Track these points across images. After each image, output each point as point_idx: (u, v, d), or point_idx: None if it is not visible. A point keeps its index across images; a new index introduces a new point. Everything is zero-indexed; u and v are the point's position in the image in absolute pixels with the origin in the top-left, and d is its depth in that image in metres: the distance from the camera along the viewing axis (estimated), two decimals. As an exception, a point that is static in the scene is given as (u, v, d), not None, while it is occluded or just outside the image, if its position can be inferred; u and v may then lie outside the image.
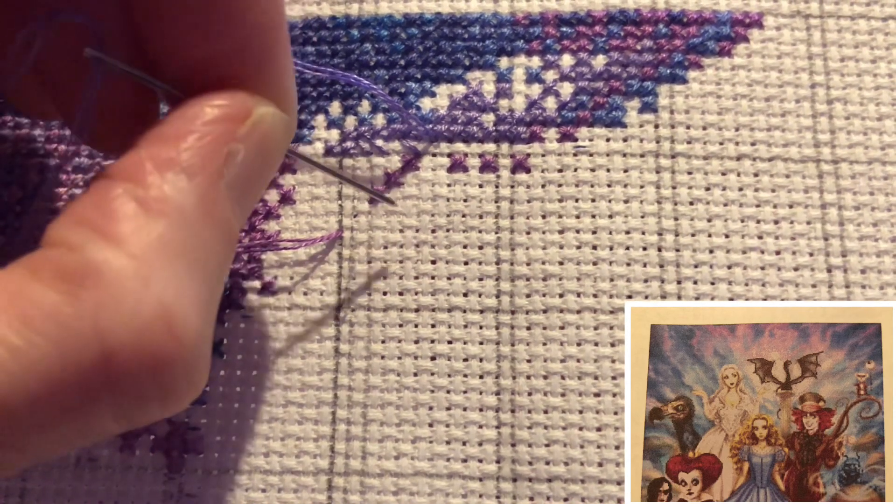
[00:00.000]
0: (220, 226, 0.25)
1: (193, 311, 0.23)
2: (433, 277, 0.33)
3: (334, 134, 0.35)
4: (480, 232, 0.33)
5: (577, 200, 0.33)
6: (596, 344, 0.32)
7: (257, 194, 0.27)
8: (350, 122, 0.35)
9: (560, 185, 0.34)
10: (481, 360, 0.32)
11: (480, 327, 0.32)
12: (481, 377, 0.32)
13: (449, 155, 0.34)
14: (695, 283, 0.33)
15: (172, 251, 0.23)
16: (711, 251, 0.33)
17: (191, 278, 0.23)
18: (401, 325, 0.33)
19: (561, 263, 0.33)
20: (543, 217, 0.33)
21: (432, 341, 0.32)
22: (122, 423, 0.23)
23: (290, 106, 0.28)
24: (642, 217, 0.33)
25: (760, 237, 0.33)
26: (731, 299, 0.32)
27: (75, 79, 0.26)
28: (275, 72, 0.27)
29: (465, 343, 0.32)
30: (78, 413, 0.22)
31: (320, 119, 0.35)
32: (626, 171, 0.34)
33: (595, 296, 0.32)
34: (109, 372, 0.22)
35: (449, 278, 0.33)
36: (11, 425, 0.21)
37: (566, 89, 0.34)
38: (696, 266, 0.33)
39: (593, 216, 0.33)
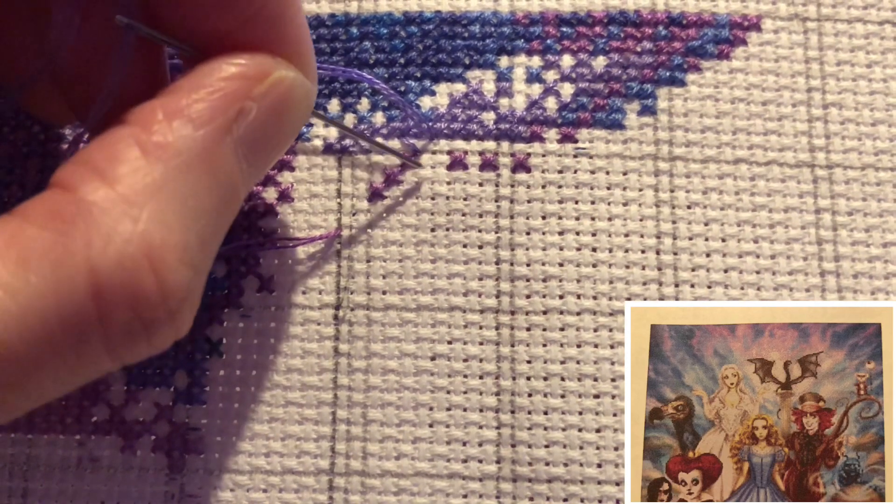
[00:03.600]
0: (221, 179, 0.25)
1: (179, 255, 0.24)
2: (433, 277, 0.33)
3: (333, 131, 0.34)
4: (480, 231, 0.33)
5: (576, 202, 0.33)
6: (595, 346, 0.32)
7: (271, 156, 0.28)
8: (349, 119, 0.34)
9: (560, 187, 0.34)
10: (481, 360, 0.32)
11: (480, 327, 0.32)
12: (481, 378, 0.32)
13: (448, 152, 0.34)
14: (692, 286, 0.33)
15: (166, 195, 0.24)
16: (708, 255, 0.33)
17: (182, 223, 0.24)
18: (400, 325, 0.32)
19: (561, 265, 0.33)
20: (543, 218, 0.33)
21: (432, 341, 0.32)
22: (115, 359, 0.24)
23: (311, 72, 0.28)
24: (641, 220, 0.33)
25: (756, 241, 0.33)
26: (727, 302, 0.33)
27: (92, 70, 0.27)
28: (293, 38, 0.27)
29: (464, 343, 0.32)
30: (73, 348, 0.22)
31: (319, 116, 0.34)
32: (625, 174, 0.34)
33: (594, 298, 0.32)
34: (99, 307, 0.22)
35: (449, 278, 0.33)
36: (11, 363, 0.21)
37: (566, 90, 0.34)
38: (693, 269, 0.33)
39: (592, 218, 0.33)
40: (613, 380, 0.32)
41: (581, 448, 0.31)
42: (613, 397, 0.32)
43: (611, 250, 0.33)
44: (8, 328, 0.21)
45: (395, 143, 0.34)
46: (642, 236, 0.33)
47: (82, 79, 0.27)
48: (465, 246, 0.33)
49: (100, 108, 0.26)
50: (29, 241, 0.22)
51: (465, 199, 0.33)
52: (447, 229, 0.33)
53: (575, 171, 0.34)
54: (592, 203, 0.33)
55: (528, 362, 0.32)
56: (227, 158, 0.25)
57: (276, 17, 0.27)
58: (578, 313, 0.32)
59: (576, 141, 0.34)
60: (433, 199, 0.33)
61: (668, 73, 0.35)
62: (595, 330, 0.32)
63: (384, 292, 0.33)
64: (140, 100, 0.26)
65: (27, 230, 0.22)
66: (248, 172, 0.26)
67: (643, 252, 0.33)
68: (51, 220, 0.22)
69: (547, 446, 0.31)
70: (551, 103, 0.34)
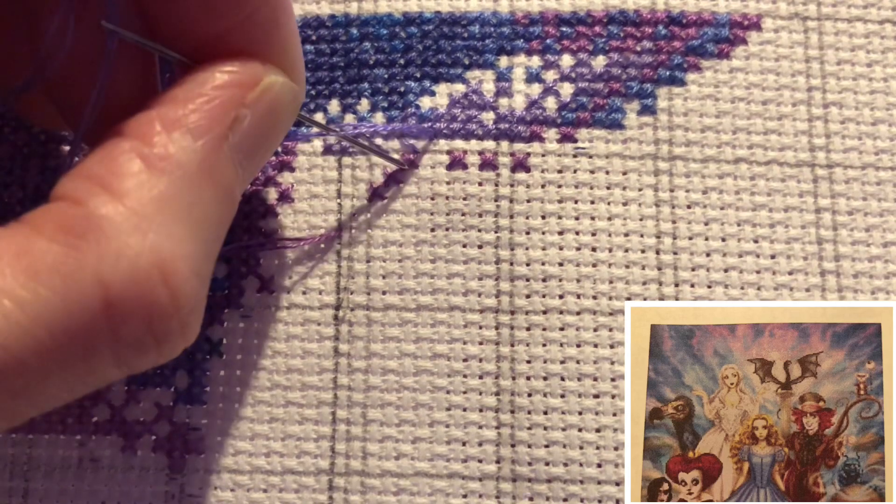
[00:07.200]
0: (221, 187, 0.26)
1: (188, 265, 0.24)
2: (432, 277, 0.33)
3: (333, 132, 0.34)
4: (480, 231, 0.33)
5: (576, 202, 0.33)
6: (595, 346, 0.32)
7: (262, 159, 0.28)
8: (349, 120, 0.34)
9: (560, 186, 0.34)
10: (481, 360, 0.32)
11: (480, 327, 0.32)
12: (481, 378, 0.32)
13: (448, 152, 0.34)
14: (692, 286, 0.33)
15: (172, 207, 0.24)
16: (708, 255, 0.33)
17: (188, 234, 0.24)
18: (400, 325, 0.32)
19: (560, 264, 0.33)
20: (543, 217, 0.33)
21: (432, 341, 0.32)
22: (123, 368, 0.24)
23: (299, 75, 0.29)
24: (640, 220, 0.33)
25: (756, 241, 0.33)
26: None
27: (82, 76, 0.27)
28: (282, 42, 0.28)
29: (464, 343, 0.32)
30: (82, 360, 0.23)
31: (319, 117, 0.34)
32: (624, 173, 0.34)
33: (594, 297, 0.32)
34: (110, 320, 0.23)
35: (448, 278, 0.33)
36: (21, 374, 0.22)
37: (566, 89, 0.34)
38: (693, 269, 0.33)
39: (592, 218, 0.33)
40: (613, 380, 0.32)
41: (581, 448, 0.31)
42: (613, 397, 0.32)
43: (611, 250, 0.33)
44: (17, 339, 0.21)
45: (394, 144, 0.34)
46: (642, 236, 0.33)
47: (71, 84, 0.28)
48: (464, 246, 0.33)
49: (90, 116, 0.26)
50: (39, 253, 0.22)
51: (464, 199, 0.33)
52: (447, 229, 0.33)
53: (574, 171, 0.34)
54: (592, 203, 0.33)
55: (528, 362, 0.32)
56: (224, 166, 0.26)
57: (268, 22, 0.27)
58: (578, 313, 0.32)
59: (575, 140, 0.34)
60: (433, 199, 0.34)
61: (667, 73, 0.35)
62: (595, 330, 0.32)
63: (384, 292, 0.33)
64: (132, 104, 0.26)
65: (37, 242, 0.22)
66: (243, 176, 0.27)
67: (643, 252, 0.33)
68: (61, 233, 0.23)
69: (547, 446, 0.31)
70: (551, 103, 0.34)
